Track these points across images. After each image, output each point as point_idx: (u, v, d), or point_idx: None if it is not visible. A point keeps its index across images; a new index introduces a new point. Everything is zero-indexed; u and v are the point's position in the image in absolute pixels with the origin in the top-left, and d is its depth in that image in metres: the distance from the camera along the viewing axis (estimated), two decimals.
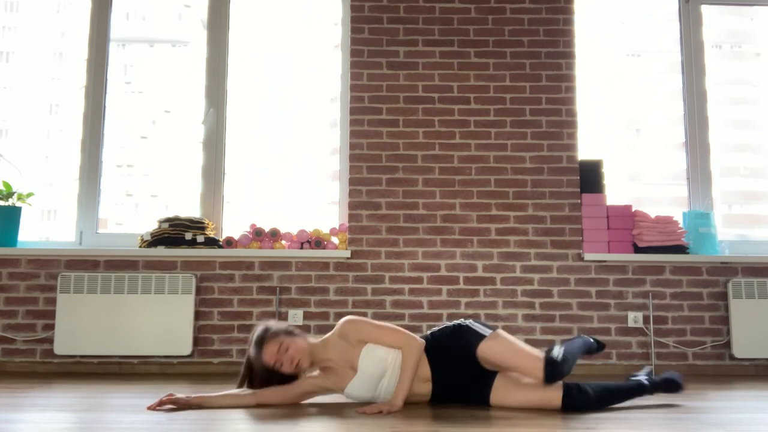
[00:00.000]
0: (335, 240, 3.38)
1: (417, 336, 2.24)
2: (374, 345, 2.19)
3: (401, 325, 2.41)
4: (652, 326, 3.30)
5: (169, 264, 3.28)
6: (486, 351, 2.16)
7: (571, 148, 3.45)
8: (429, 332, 2.34)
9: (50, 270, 3.27)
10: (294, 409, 2.17)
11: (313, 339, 2.30)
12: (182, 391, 2.63)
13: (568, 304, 3.33)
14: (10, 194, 3.31)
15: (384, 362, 2.18)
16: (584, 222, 3.38)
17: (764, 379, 3.13)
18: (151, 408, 2.14)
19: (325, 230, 3.39)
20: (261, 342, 2.20)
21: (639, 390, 2.26)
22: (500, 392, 2.18)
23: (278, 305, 3.27)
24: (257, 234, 3.34)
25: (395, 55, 3.49)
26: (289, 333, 2.23)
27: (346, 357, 2.21)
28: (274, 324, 2.27)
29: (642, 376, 2.33)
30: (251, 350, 2.23)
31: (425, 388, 2.22)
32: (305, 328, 3.24)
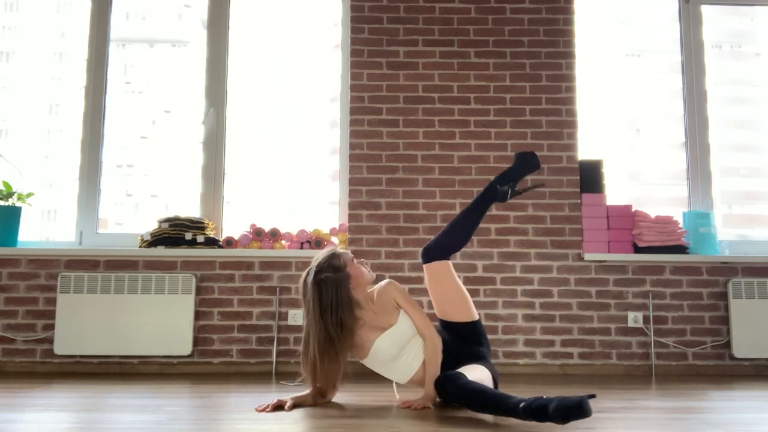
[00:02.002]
0: (335, 240, 3.38)
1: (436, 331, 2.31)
2: (397, 329, 2.25)
3: None
4: (652, 326, 3.31)
5: (169, 264, 3.28)
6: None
7: (571, 148, 3.45)
8: None
9: (50, 270, 3.27)
10: (294, 410, 2.16)
11: None
12: (182, 391, 2.64)
13: (568, 304, 3.33)
14: (10, 194, 3.31)
15: (401, 347, 2.25)
16: (584, 222, 3.38)
17: (764, 379, 3.13)
18: (260, 410, 2.13)
19: (325, 230, 3.39)
20: (335, 256, 2.27)
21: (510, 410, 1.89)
22: None
23: (278, 305, 3.27)
24: (257, 234, 3.34)
25: (395, 55, 3.49)
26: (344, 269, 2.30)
27: (376, 321, 2.26)
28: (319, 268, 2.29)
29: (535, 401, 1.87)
30: (327, 274, 2.21)
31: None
32: None
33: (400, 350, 2.25)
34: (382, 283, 2.35)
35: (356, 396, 2.42)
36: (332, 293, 2.18)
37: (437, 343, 2.25)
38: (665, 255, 3.32)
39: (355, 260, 2.32)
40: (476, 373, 2.10)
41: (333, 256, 2.27)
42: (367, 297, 2.31)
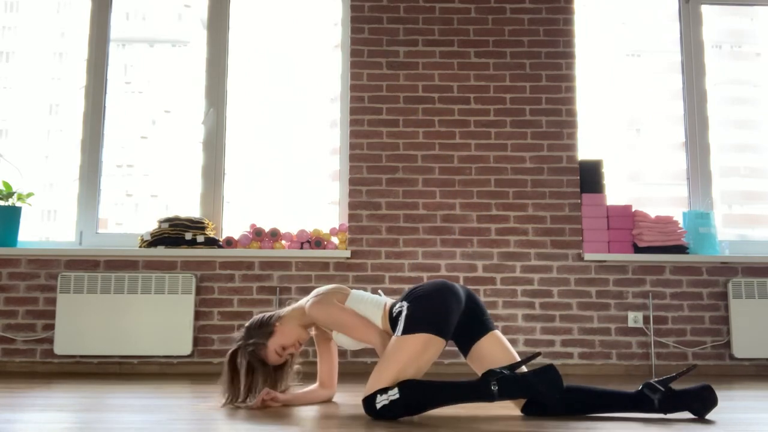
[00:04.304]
0: (335, 240, 3.38)
1: (379, 333, 2.11)
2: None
3: None
4: (652, 326, 3.31)
5: (169, 264, 3.28)
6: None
7: (571, 148, 3.45)
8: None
9: (50, 270, 3.27)
10: (295, 410, 2.16)
11: (288, 309, 2.24)
12: (182, 391, 2.65)
13: (568, 304, 3.33)
14: (10, 194, 3.31)
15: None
16: (584, 222, 3.38)
17: (764, 379, 3.14)
18: (254, 407, 2.13)
19: (325, 230, 3.39)
20: (255, 357, 2.16)
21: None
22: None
23: (278, 305, 3.27)
24: (257, 234, 3.34)
25: (395, 55, 3.49)
26: (269, 333, 2.15)
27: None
28: (243, 340, 2.18)
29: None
30: (260, 367, 2.16)
31: None
32: None
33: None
34: (309, 302, 2.18)
35: (356, 396, 2.42)
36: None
37: (384, 341, 2.08)
38: (665, 255, 3.32)
39: (270, 339, 2.16)
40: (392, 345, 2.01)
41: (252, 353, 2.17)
42: (303, 315, 2.20)
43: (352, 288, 2.30)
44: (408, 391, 1.91)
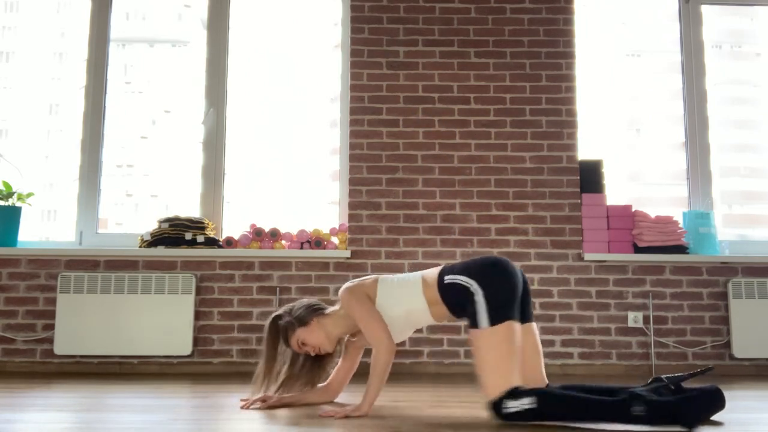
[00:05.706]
0: (335, 240, 3.38)
1: (388, 338, 2.10)
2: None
3: None
4: (652, 326, 3.31)
5: (169, 264, 3.29)
6: (473, 340, 2.00)
7: (571, 148, 3.45)
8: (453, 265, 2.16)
9: (50, 270, 3.27)
10: (294, 410, 2.16)
11: (332, 311, 2.24)
12: (183, 391, 2.65)
13: (568, 304, 3.33)
14: (10, 194, 3.31)
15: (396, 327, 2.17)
16: (584, 222, 3.38)
17: (764, 379, 3.13)
18: (245, 407, 2.15)
19: (325, 230, 3.39)
20: (284, 333, 2.19)
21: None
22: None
23: (278, 305, 3.26)
24: (257, 234, 3.34)
25: (395, 55, 3.49)
26: (304, 323, 2.17)
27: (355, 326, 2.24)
28: (287, 311, 2.21)
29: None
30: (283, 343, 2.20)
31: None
32: None
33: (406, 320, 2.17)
34: (341, 294, 2.19)
35: (356, 396, 2.42)
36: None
37: (384, 350, 2.08)
38: (665, 255, 3.32)
39: (301, 330, 2.17)
40: (487, 343, 1.99)
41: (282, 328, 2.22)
42: (334, 327, 2.21)
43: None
44: (546, 401, 1.87)
